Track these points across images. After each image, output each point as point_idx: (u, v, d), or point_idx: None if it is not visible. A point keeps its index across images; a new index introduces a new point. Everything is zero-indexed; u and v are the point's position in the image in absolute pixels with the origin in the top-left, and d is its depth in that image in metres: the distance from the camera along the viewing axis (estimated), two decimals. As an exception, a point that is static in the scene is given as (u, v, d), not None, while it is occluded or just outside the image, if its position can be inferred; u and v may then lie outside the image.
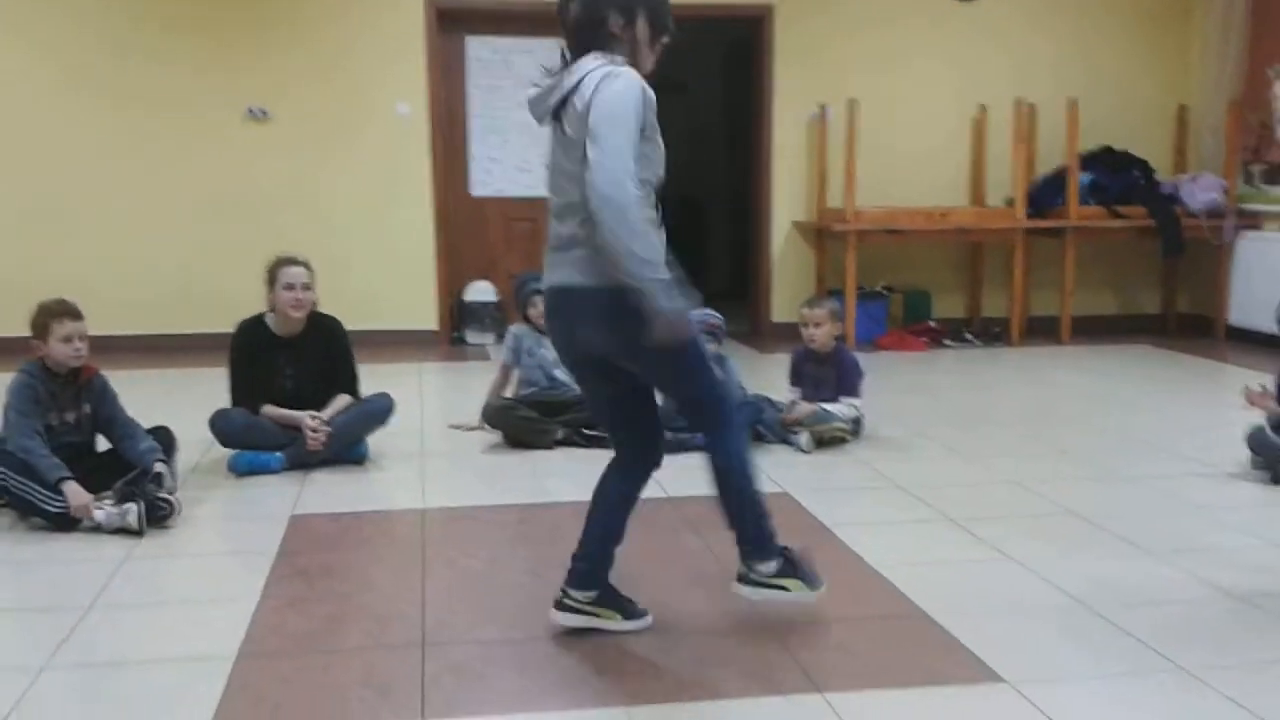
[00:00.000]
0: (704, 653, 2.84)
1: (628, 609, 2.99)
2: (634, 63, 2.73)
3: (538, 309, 5.02)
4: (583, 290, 2.73)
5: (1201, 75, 8.15)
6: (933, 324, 7.98)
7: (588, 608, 2.94)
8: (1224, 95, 7.89)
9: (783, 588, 2.93)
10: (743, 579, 2.95)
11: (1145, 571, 3.39)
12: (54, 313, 3.90)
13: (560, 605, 2.95)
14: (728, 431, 2.89)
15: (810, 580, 2.96)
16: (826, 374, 5.05)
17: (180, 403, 5.79)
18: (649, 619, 2.99)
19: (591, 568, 2.95)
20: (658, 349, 2.65)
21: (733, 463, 2.87)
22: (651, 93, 2.69)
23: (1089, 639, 2.91)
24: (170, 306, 7.51)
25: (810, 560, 2.99)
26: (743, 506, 2.90)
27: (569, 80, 2.71)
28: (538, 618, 3.03)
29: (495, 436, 5.00)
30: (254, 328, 4.63)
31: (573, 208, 2.73)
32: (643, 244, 2.58)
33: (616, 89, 2.63)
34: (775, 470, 4.55)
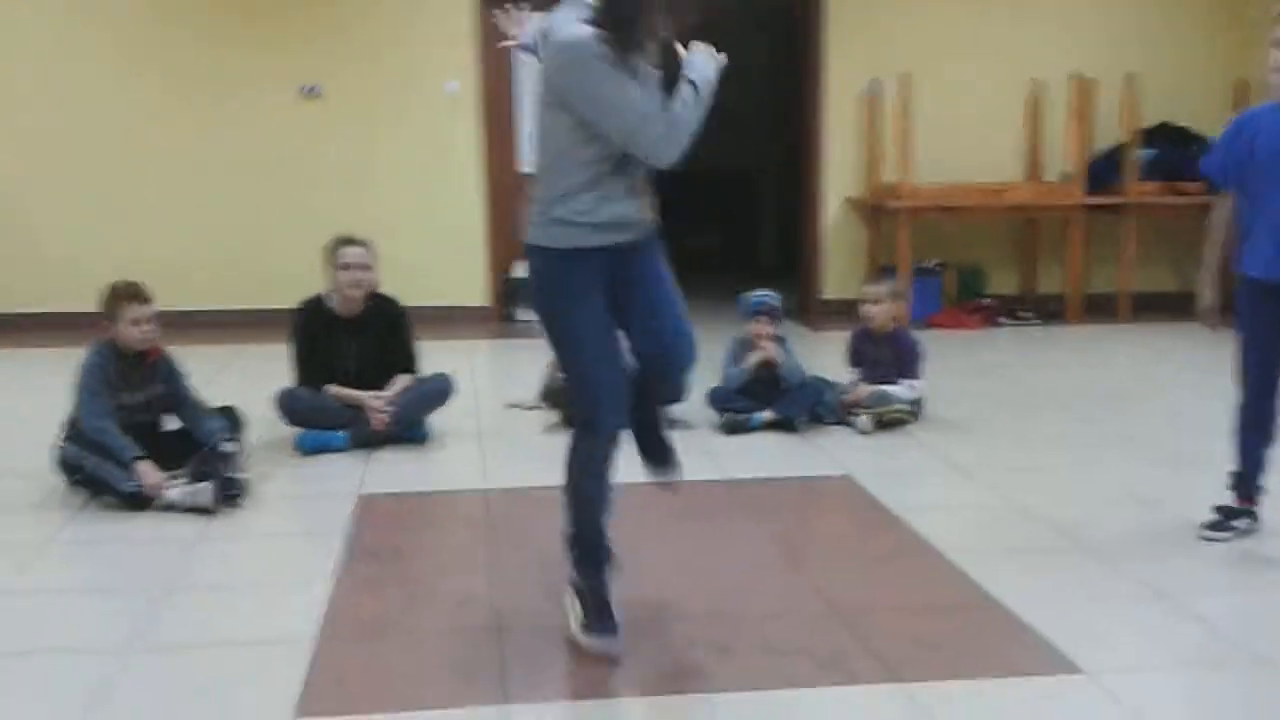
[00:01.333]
0: (774, 640, 2.84)
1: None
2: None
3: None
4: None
5: (1260, 48, 7.96)
6: (986, 301, 7.90)
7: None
8: (1287, 69, 7.72)
9: (573, 609, 2.81)
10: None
11: (1223, 560, 3.35)
12: (123, 296, 3.95)
13: None
14: (582, 434, 2.78)
15: (590, 628, 2.74)
16: (885, 354, 5.01)
17: (238, 379, 5.87)
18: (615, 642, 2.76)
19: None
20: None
21: (570, 466, 2.81)
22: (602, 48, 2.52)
23: (1164, 628, 2.89)
24: (223, 282, 7.57)
25: (605, 617, 2.76)
26: (567, 507, 2.83)
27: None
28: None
29: (554, 417, 5.01)
30: (315, 308, 4.66)
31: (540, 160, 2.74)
32: (696, 114, 2.60)
33: (564, 60, 2.57)
34: (837, 452, 4.54)
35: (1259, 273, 3.32)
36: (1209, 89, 8.04)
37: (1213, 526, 3.50)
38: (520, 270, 7.82)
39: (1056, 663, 2.69)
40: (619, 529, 3.04)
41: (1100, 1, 7.97)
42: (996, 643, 2.82)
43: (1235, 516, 3.51)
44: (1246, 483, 3.51)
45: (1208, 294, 3.51)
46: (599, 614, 2.77)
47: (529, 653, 2.76)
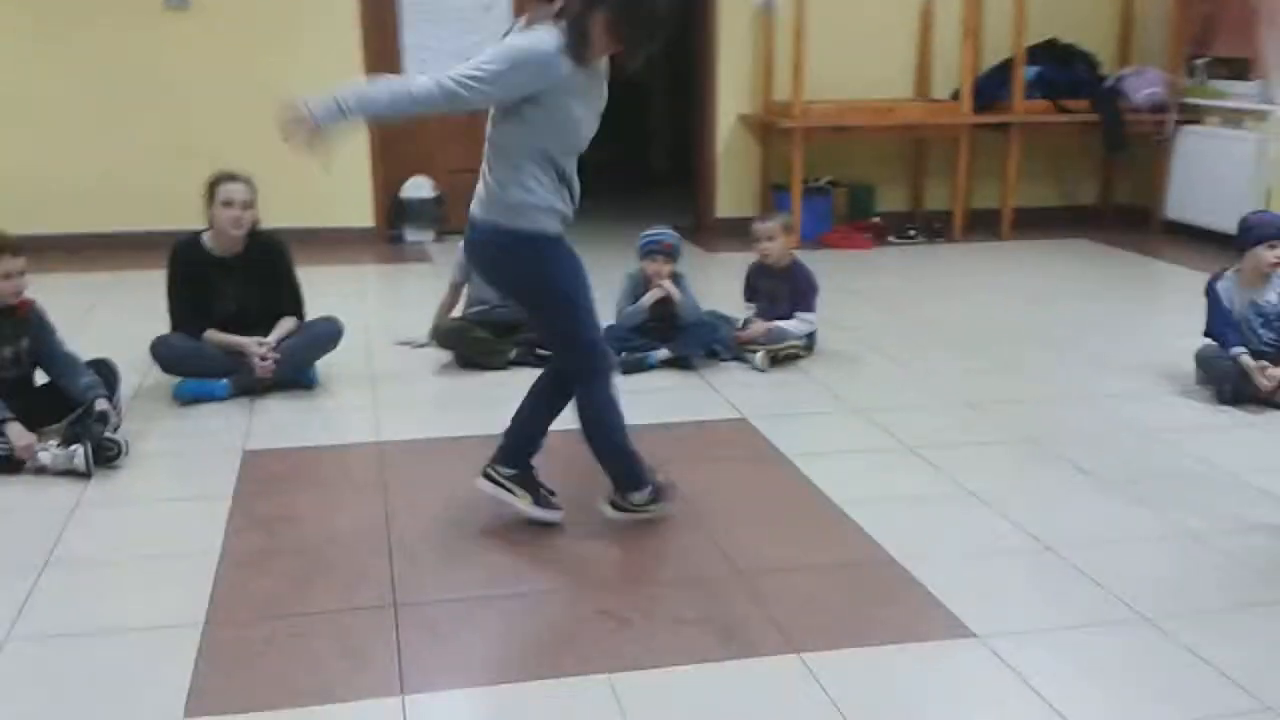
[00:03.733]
0: (679, 609, 2.84)
1: (540, 496, 3.28)
2: (572, 41, 2.82)
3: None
4: (478, 223, 3.02)
5: (1150, -35, 8.05)
6: (876, 220, 7.94)
7: (506, 483, 3.25)
8: (1171, -14, 7.82)
9: (648, 512, 3.29)
10: (614, 505, 3.28)
11: (1104, 508, 3.45)
12: None
13: (485, 475, 3.27)
14: (596, 383, 3.13)
15: (666, 502, 3.32)
16: (781, 289, 5.01)
17: (116, 311, 5.64)
18: (558, 514, 3.28)
19: (515, 446, 3.26)
20: (520, 286, 3.12)
21: (602, 415, 3.16)
22: (565, 67, 2.82)
23: (1054, 586, 2.97)
24: (96, 204, 7.19)
25: (670, 488, 3.35)
26: (613, 455, 3.23)
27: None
28: (508, 571, 3.03)
29: (446, 356, 4.91)
30: (191, 249, 4.44)
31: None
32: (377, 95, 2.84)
33: (516, 41, 2.86)
34: (732, 392, 4.55)
35: None
36: (1096, 4, 8.11)
37: None
38: (410, 190, 7.60)
39: (948, 626, 2.75)
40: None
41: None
42: (889, 605, 2.87)
43: None
44: None
45: None
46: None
47: (427, 632, 2.72)
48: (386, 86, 2.87)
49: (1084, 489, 3.60)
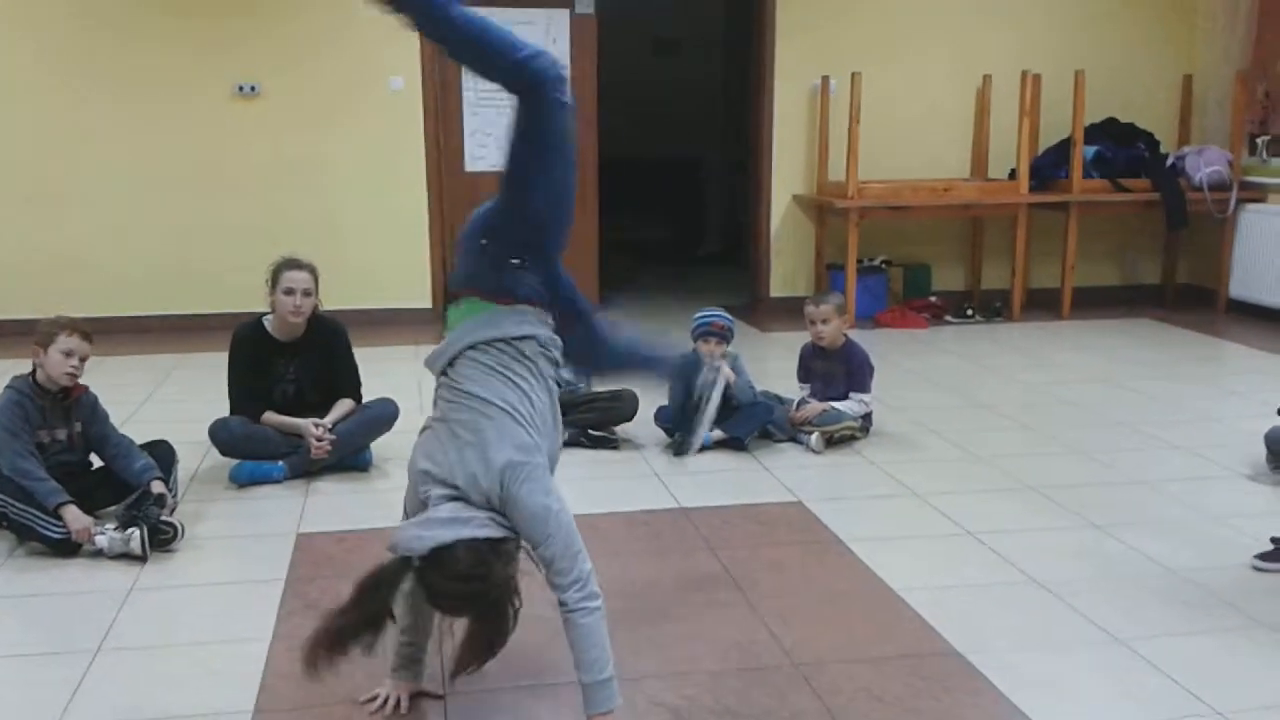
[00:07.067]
0: (732, 701, 2.77)
1: None
2: None
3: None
4: None
5: (1208, 45, 8.01)
6: (933, 299, 7.89)
7: None
8: (1231, 66, 7.77)
9: None
10: None
11: (1175, 596, 3.33)
12: (63, 325, 3.77)
13: None
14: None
15: None
16: (836, 369, 4.97)
17: (178, 392, 5.72)
18: None
19: None
20: None
21: None
22: None
23: (1125, 679, 2.86)
24: (163, 287, 7.36)
25: None
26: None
27: None
28: (559, 659, 2.96)
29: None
30: (252, 333, 4.50)
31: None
32: None
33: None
34: (786, 474, 4.49)
35: None
36: (1155, 85, 8.09)
37: (1265, 557, 3.52)
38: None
39: (1014, 721, 2.66)
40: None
41: (1048, -4, 7.97)
42: (952, 699, 2.78)
43: None
44: None
45: None
46: None
47: (476, 722, 2.68)
48: None
49: (1153, 577, 3.48)
